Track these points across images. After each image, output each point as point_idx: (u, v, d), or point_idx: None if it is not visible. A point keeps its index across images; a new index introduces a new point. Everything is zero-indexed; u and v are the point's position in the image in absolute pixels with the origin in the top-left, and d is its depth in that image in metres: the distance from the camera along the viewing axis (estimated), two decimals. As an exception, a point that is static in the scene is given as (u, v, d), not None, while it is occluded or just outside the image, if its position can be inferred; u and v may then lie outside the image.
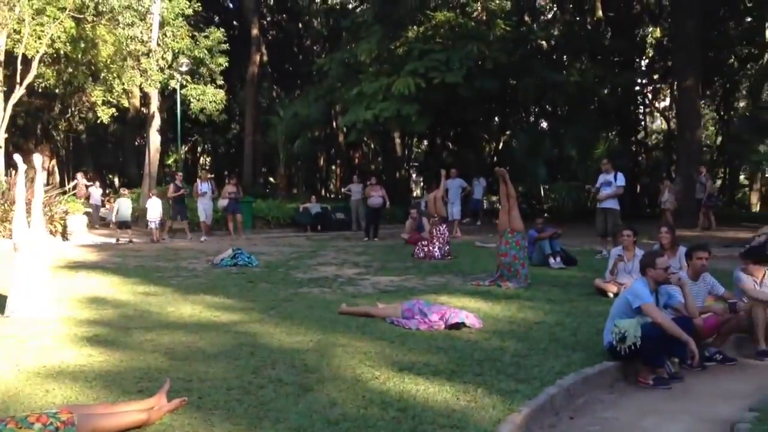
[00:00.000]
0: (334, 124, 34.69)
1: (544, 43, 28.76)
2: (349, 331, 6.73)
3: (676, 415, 5.08)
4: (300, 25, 40.11)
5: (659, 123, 40.55)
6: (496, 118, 33.48)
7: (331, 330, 6.77)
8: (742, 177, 37.32)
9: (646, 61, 33.92)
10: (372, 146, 40.47)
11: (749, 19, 31.74)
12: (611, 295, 8.67)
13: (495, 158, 33.74)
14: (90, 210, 22.28)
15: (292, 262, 12.98)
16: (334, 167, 42.94)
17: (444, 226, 13.89)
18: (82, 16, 19.57)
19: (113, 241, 17.43)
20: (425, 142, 39.36)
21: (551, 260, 12.21)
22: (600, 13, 29.07)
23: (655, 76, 33.58)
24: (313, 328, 6.88)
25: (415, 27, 24.19)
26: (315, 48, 39.99)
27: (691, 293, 6.33)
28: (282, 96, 38.75)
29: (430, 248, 13.48)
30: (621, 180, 13.77)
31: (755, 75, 32.77)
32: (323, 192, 39.65)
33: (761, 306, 6.63)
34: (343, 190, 25.31)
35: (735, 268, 7.30)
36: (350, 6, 36.55)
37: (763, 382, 5.80)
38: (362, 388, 4.90)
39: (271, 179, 39.81)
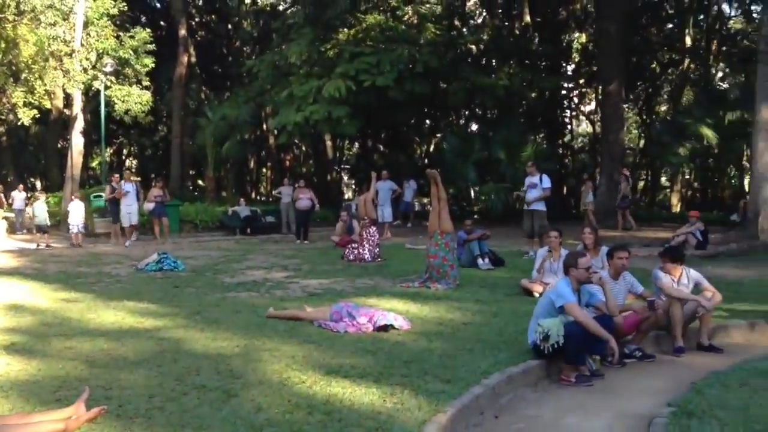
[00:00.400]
0: (265, 126, 34.34)
1: (473, 47, 29.05)
2: (277, 335, 6.66)
3: (597, 411, 5.21)
4: (229, 26, 39.55)
5: (585, 126, 41.47)
6: (427, 121, 33.76)
7: (258, 334, 6.69)
8: (663, 179, 38.50)
9: (573, 65, 34.74)
10: (303, 149, 40.27)
11: (670, 26, 33.04)
12: (537, 294, 8.83)
13: (426, 160, 34.04)
14: (12, 215, 21.56)
15: (219, 266, 12.79)
16: (264, 170, 42.49)
17: (374, 228, 13.93)
18: (2, 15, 18.93)
19: (33, 246, 16.87)
20: (356, 145, 39.36)
21: (480, 261, 12.36)
22: (528, 18, 29.57)
23: (581, 81, 34.35)
24: (239, 332, 6.79)
25: (345, 29, 24.14)
26: (244, 49, 39.49)
27: (611, 292, 6.49)
28: (211, 97, 38.19)
29: (360, 251, 13.49)
30: (546, 182, 14.03)
31: (676, 80, 34.03)
32: (253, 195, 39.22)
33: (678, 304, 6.87)
34: (273, 192, 25.03)
35: (654, 267, 7.53)
36: (280, 7, 36.26)
37: (681, 377, 5.98)
38: (288, 393, 4.86)
39: (200, 182, 39.19)
